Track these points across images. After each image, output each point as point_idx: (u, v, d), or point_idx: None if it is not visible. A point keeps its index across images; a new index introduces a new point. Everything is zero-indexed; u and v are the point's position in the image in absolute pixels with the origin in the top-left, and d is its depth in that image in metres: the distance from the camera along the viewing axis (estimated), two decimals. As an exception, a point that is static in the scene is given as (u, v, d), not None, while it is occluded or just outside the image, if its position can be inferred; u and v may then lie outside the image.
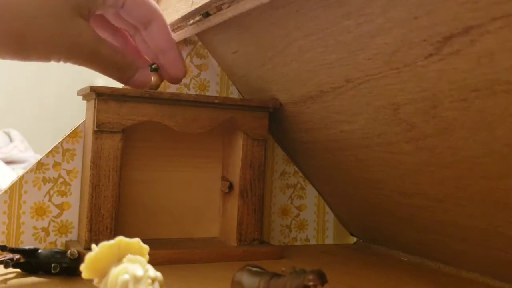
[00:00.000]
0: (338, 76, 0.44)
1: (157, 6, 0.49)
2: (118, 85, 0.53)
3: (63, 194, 0.53)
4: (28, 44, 0.41)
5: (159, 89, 0.58)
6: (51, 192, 0.53)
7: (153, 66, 0.50)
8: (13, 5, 0.40)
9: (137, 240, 0.33)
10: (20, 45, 0.41)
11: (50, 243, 0.53)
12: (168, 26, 0.50)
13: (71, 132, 0.54)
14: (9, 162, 1.50)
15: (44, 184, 0.52)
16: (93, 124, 0.49)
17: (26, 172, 0.52)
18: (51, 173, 0.53)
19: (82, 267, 0.32)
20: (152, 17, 0.48)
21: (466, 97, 0.35)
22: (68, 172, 0.53)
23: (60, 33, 0.42)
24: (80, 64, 0.45)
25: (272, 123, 0.57)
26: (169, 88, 0.59)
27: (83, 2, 0.43)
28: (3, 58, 0.42)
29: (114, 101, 0.50)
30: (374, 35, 0.38)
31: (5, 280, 0.43)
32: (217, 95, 0.61)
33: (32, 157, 1.57)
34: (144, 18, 0.48)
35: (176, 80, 0.52)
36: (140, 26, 0.49)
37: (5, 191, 0.51)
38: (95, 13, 0.46)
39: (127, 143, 0.53)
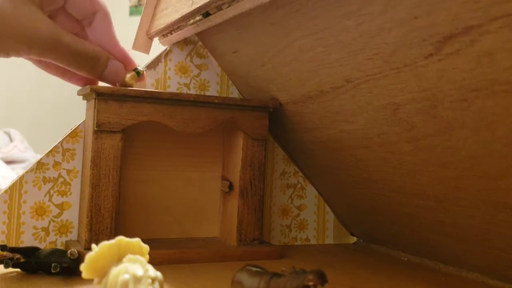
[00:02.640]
0: (338, 76, 0.44)
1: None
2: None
3: (63, 194, 0.53)
4: None
5: (159, 89, 0.58)
6: (51, 192, 0.53)
7: (138, 69, 0.51)
8: None
9: (137, 240, 0.33)
10: None
11: (50, 242, 0.53)
12: (111, 22, 0.48)
13: (71, 132, 0.54)
14: (9, 162, 1.50)
15: (44, 184, 0.52)
16: (93, 124, 0.49)
17: (26, 172, 0.52)
18: (51, 173, 0.53)
19: (82, 267, 0.32)
20: (96, 9, 0.47)
21: (466, 97, 0.35)
22: (68, 171, 0.53)
23: (15, 24, 0.41)
24: (42, 55, 0.43)
25: (272, 123, 0.57)
26: (169, 87, 0.59)
27: None
28: None
29: (114, 101, 0.50)
30: (374, 35, 0.38)
31: (5, 280, 0.43)
32: (217, 95, 0.61)
33: (32, 156, 1.57)
34: (88, 11, 0.47)
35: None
36: (85, 21, 0.48)
37: (5, 191, 0.51)
38: (47, 5, 0.44)
39: (127, 143, 0.53)
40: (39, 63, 0.50)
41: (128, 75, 0.51)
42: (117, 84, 0.50)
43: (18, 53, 0.42)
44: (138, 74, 0.51)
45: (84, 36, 0.49)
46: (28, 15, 0.41)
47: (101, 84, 0.51)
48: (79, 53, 0.45)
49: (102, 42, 0.48)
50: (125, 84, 0.51)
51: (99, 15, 0.47)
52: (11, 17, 0.40)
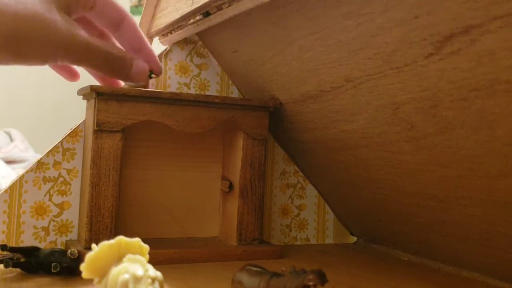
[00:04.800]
0: (338, 76, 0.44)
1: (123, 6, 0.49)
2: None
3: (63, 193, 0.53)
4: (27, 46, 0.41)
5: (159, 89, 0.58)
6: (51, 191, 0.53)
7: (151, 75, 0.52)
8: (11, 7, 0.40)
9: (137, 240, 0.33)
10: (19, 48, 0.41)
11: (50, 242, 0.53)
12: (138, 27, 0.51)
13: (71, 132, 0.54)
14: (9, 162, 1.50)
15: (44, 183, 0.52)
16: (93, 124, 0.49)
17: (26, 172, 0.52)
18: (51, 173, 0.53)
19: (82, 267, 0.32)
20: (122, 16, 0.48)
21: (466, 97, 0.35)
22: (68, 171, 0.53)
23: (54, 31, 0.42)
24: (76, 60, 0.44)
25: (272, 122, 0.57)
26: (169, 87, 0.59)
27: (67, 1, 0.44)
28: (2, 63, 0.42)
29: (114, 100, 0.50)
30: (374, 35, 0.38)
31: (5, 280, 0.43)
32: (217, 94, 0.61)
33: (32, 156, 1.57)
34: (115, 19, 0.48)
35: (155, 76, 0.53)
36: (112, 28, 0.49)
37: (6, 191, 0.51)
38: (72, 13, 0.46)
39: (127, 142, 0.53)
40: (61, 69, 0.51)
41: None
42: (127, 84, 0.51)
43: (55, 60, 0.43)
44: (151, 75, 0.52)
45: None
46: (64, 22, 0.43)
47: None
48: (108, 56, 0.46)
49: (132, 46, 0.50)
50: (140, 86, 0.51)
51: (126, 22, 0.49)
52: (50, 24, 0.42)
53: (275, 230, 0.63)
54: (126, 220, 0.55)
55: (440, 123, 0.39)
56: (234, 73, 0.60)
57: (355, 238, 0.66)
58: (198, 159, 0.59)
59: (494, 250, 0.44)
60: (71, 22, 0.43)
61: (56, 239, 0.53)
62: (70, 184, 0.53)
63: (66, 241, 0.53)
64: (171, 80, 0.59)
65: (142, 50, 0.50)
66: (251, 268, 0.37)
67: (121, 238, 0.32)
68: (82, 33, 0.44)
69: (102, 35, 0.51)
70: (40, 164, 0.52)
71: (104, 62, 0.46)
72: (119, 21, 0.48)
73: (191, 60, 0.60)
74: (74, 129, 0.54)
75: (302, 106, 0.53)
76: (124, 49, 0.49)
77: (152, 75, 0.52)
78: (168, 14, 0.55)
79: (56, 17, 0.42)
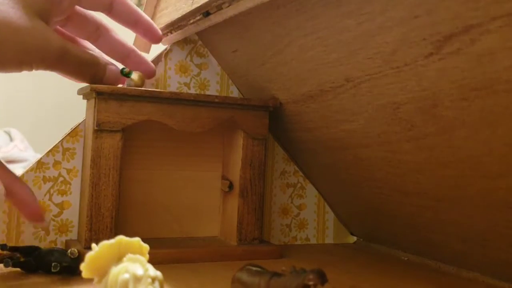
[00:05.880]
0: (338, 75, 0.44)
1: None
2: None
3: (63, 193, 0.53)
4: (1, 53, 0.41)
5: (159, 88, 0.58)
6: (51, 191, 0.53)
7: (124, 70, 0.51)
8: None
9: (137, 239, 0.33)
10: None
11: (50, 242, 0.53)
12: (129, 2, 0.52)
13: (71, 131, 0.54)
14: (9, 162, 1.50)
15: (44, 183, 0.52)
16: (93, 123, 0.49)
17: (26, 171, 0.52)
18: (51, 172, 0.53)
19: (82, 266, 0.32)
20: None
21: (466, 96, 0.35)
22: (68, 171, 0.53)
23: (29, 38, 0.42)
24: (51, 66, 0.45)
25: (272, 122, 0.57)
26: (169, 87, 0.59)
27: (43, 6, 0.44)
28: None
29: (114, 100, 0.50)
30: (374, 34, 0.38)
31: (5, 279, 0.43)
32: (217, 94, 0.61)
33: (32, 156, 1.57)
34: (104, 2, 0.50)
35: (154, 41, 0.55)
36: (105, 11, 0.51)
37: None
38: (55, 17, 0.46)
39: (127, 142, 0.53)
40: None
41: (136, 76, 0.52)
42: (126, 84, 0.52)
43: (30, 67, 0.44)
44: (128, 74, 0.51)
45: (97, 38, 0.52)
46: (39, 29, 0.43)
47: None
48: (82, 62, 0.47)
49: (129, 22, 0.52)
50: (133, 85, 0.51)
51: (116, 1, 0.50)
52: (25, 32, 0.42)
53: (275, 230, 0.63)
54: (126, 220, 0.55)
55: (440, 123, 0.39)
56: (234, 72, 0.60)
57: (355, 238, 0.66)
58: (198, 158, 0.59)
59: (494, 251, 0.44)
60: (46, 28, 0.44)
61: (56, 238, 0.53)
62: (70, 184, 0.53)
63: (66, 240, 0.53)
64: (171, 80, 0.59)
65: (139, 22, 0.52)
66: (251, 268, 0.37)
67: (121, 238, 0.32)
68: (57, 40, 0.44)
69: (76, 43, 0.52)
70: (40, 164, 0.52)
71: (79, 68, 0.47)
72: (109, 3, 0.50)
73: (191, 60, 0.60)
74: (74, 129, 0.54)
75: (302, 106, 0.53)
76: (97, 55, 0.50)
77: (125, 70, 0.52)
78: (168, 14, 0.55)
79: (31, 24, 0.42)
